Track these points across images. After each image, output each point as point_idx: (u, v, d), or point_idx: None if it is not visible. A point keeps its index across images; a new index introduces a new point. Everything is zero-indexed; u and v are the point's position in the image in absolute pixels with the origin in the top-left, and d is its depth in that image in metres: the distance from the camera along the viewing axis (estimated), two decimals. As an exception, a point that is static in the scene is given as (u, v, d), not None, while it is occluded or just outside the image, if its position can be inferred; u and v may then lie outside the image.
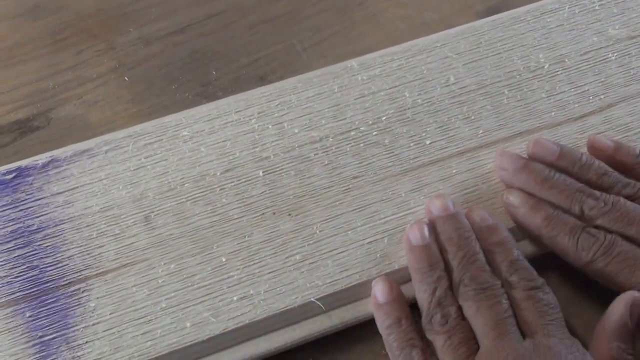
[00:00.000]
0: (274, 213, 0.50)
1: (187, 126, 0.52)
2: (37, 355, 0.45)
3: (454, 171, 0.51)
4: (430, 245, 0.47)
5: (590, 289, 0.49)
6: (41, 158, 0.51)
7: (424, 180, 0.51)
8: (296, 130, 0.53)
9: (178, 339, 0.45)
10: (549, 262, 0.49)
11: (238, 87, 0.56)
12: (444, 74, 0.55)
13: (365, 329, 0.47)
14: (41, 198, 0.49)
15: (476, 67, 0.55)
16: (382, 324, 0.47)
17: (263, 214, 0.49)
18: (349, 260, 0.48)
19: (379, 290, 0.47)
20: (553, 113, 0.54)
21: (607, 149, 0.50)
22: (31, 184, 0.50)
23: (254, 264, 0.48)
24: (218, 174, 0.51)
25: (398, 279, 0.48)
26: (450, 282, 0.47)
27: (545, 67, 0.55)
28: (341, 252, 0.48)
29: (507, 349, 0.43)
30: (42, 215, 0.49)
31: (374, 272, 0.47)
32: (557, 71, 0.55)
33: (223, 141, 0.52)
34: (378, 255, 0.48)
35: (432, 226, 0.48)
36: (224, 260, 0.48)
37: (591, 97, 0.54)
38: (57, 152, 0.51)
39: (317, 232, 0.49)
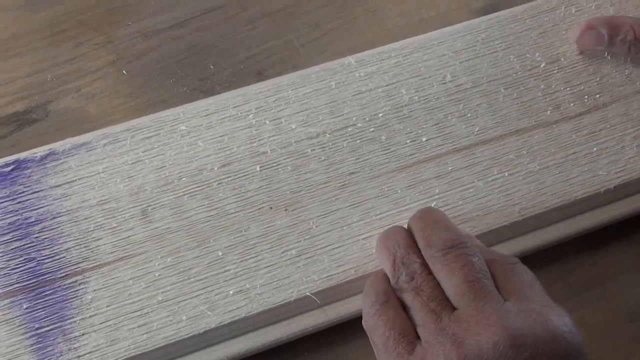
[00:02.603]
0: (270, 208, 0.49)
1: (185, 120, 0.52)
2: (34, 347, 0.45)
3: (449, 168, 0.51)
4: (395, 225, 0.47)
5: (581, 287, 0.50)
6: (39, 151, 0.51)
7: (420, 177, 0.51)
8: (293, 126, 0.52)
9: (174, 332, 0.45)
10: (539, 259, 0.50)
11: (236, 81, 0.57)
12: (441, 71, 0.55)
13: (360, 322, 0.47)
14: (39, 191, 0.49)
15: (473, 65, 0.55)
16: None
17: (260, 208, 0.49)
18: (345, 255, 0.48)
19: None
20: (549, 112, 0.54)
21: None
22: (29, 176, 0.50)
23: (250, 258, 0.48)
24: (215, 168, 0.50)
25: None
26: (411, 241, 0.46)
27: (542, 66, 0.55)
28: (337, 247, 0.48)
29: (490, 309, 0.40)
30: (40, 208, 0.49)
31: (370, 267, 0.48)
32: (553, 70, 0.55)
33: (220, 136, 0.52)
34: (374, 251, 0.48)
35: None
36: (220, 254, 0.48)
37: (586, 97, 0.54)
38: (56, 145, 0.51)
39: (314, 227, 0.49)
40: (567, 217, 0.51)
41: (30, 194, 0.49)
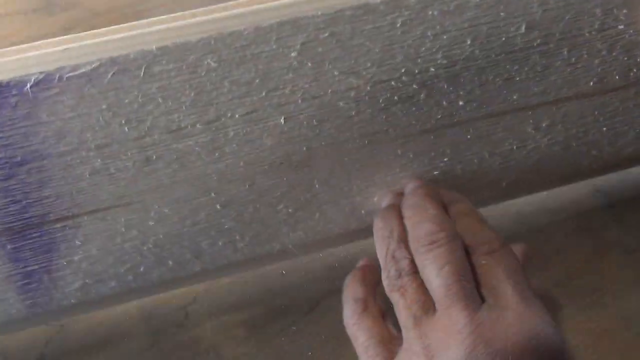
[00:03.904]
0: (281, 163, 0.54)
1: (215, 51, 0.50)
2: (19, 283, 0.52)
3: (468, 136, 0.57)
4: (393, 206, 0.57)
5: (579, 293, 0.64)
6: (31, 74, 0.46)
7: (439, 143, 0.57)
8: (336, 73, 0.53)
9: (159, 274, 0.56)
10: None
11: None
12: (518, 20, 0.54)
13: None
14: (27, 126, 0.48)
15: (555, 16, 0.55)
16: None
17: (271, 164, 0.54)
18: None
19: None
20: (592, 83, 0.58)
21: None
22: (15, 106, 0.47)
23: (247, 213, 0.55)
24: (236, 116, 0.52)
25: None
26: (403, 231, 0.54)
27: (619, 27, 0.57)
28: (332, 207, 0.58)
29: (463, 318, 0.47)
30: (28, 146, 0.49)
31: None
32: (626, 34, 0.57)
33: (252, 77, 0.51)
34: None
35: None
36: (218, 207, 0.55)
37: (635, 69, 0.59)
38: (51, 68, 0.47)
39: (316, 185, 0.56)
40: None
41: (17, 128, 0.48)
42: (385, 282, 0.53)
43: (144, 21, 0.50)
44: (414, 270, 0.52)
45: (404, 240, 0.54)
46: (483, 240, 0.52)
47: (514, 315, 0.48)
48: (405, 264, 0.52)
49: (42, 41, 0.48)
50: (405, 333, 0.51)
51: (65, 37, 0.49)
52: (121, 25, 0.49)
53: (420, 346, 0.48)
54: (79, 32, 0.51)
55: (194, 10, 0.50)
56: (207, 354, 0.60)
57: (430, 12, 0.53)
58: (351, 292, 0.56)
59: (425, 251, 0.51)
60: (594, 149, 0.63)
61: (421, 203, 0.55)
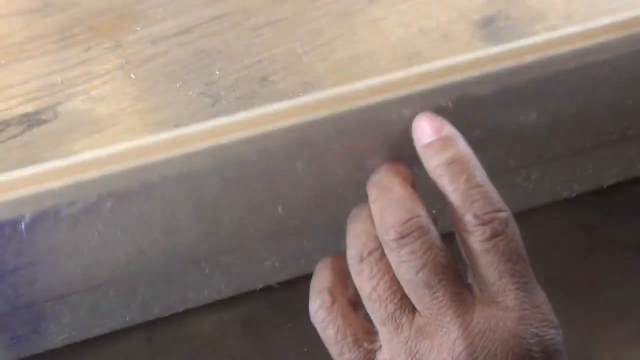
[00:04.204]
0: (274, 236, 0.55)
1: (219, 173, 0.47)
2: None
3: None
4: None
5: (572, 288, 0.63)
6: (25, 214, 0.44)
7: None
8: (340, 171, 0.51)
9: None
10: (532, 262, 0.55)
11: (240, 86, 0.61)
12: (530, 109, 0.53)
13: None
14: (20, 247, 0.46)
15: (568, 105, 0.54)
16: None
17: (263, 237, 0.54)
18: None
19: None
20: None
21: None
22: (8, 239, 0.45)
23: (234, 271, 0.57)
24: (234, 211, 0.51)
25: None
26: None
27: (628, 102, 0.56)
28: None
29: (457, 328, 0.42)
30: (19, 260, 0.47)
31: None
32: (629, 107, 0.57)
33: (254, 187, 0.49)
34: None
35: None
36: (207, 272, 0.55)
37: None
38: (46, 206, 0.44)
39: None
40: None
41: (10, 250, 0.46)
42: (349, 264, 0.47)
43: (144, 145, 0.46)
44: (383, 255, 0.46)
45: (370, 217, 0.48)
46: (484, 218, 0.44)
47: (517, 317, 0.43)
48: (378, 254, 0.46)
49: (35, 169, 0.44)
50: (384, 334, 0.45)
51: (61, 164, 0.45)
52: (121, 148, 0.45)
53: (407, 353, 0.44)
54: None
55: (196, 126, 0.46)
56: (204, 351, 0.60)
57: (444, 103, 0.50)
58: (318, 281, 0.50)
59: (397, 247, 0.44)
60: (576, 184, 0.64)
61: (385, 180, 0.48)
